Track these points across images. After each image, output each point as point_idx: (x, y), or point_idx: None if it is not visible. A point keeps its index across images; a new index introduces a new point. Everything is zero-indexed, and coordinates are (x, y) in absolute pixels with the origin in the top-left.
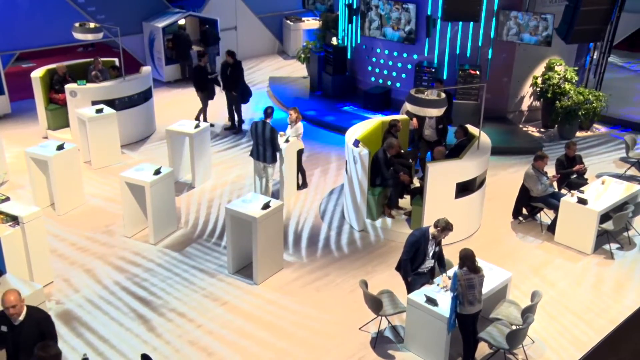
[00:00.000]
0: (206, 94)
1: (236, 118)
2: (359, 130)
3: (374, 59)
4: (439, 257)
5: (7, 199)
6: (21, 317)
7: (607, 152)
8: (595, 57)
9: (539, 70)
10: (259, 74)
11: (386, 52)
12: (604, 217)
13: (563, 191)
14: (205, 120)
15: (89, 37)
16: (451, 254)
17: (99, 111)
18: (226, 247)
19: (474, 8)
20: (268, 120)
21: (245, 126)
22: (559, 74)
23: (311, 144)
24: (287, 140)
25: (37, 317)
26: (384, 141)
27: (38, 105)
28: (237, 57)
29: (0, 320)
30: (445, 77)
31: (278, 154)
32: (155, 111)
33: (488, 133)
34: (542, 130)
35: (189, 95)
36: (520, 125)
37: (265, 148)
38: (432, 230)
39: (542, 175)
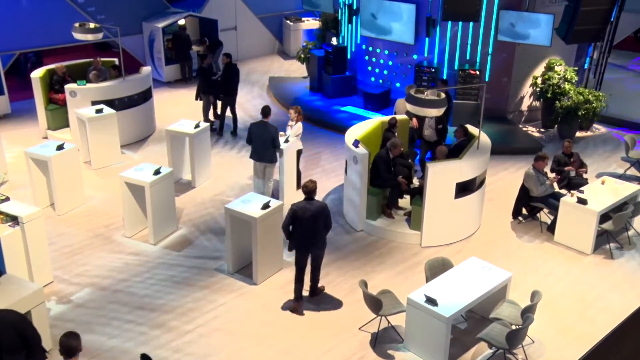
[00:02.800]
0: (209, 97)
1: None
2: (359, 130)
3: (374, 59)
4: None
5: (7, 199)
6: None
7: (607, 152)
8: (595, 57)
9: (539, 70)
10: (259, 74)
11: (386, 52)
12: (604, 217)
13: (563, 191)
14: (207, 120)
15: (89, 37)
16: (451, 254)
17: (98, 111)
18: (226, 247)
19: (474, 8)
20: (267, 120)
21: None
22: (558, 74)
23: (311, 144)
24: (286, 140)
25: (10, 319)
26: (384, 140)
27: (38, 105)
28: (238, 57)
29: None
30: (445, 77)
31: (278, 153)
32: (155, 111)
33: (488, 133)
34: (542, 130)
35: (189, 95)
36: (520, 125)
37: (265, 148)
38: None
39: (542, 175)
